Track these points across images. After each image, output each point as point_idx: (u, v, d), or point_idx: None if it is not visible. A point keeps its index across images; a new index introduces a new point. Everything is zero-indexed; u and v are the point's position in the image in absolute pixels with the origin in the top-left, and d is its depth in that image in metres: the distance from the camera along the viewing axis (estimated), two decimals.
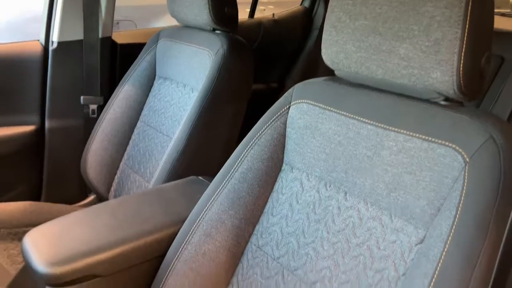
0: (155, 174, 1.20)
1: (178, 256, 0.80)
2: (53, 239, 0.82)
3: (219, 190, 0.81)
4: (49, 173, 1.46)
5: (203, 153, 1.17)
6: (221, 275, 0.79)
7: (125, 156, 1.40)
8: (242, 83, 1.20)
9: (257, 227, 0.80)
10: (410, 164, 0.61)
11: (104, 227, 0.85)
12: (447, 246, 0.52)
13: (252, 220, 0.81)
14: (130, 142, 1.40)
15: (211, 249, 0.79)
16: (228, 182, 0.81)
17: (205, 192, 0.84)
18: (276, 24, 2.05)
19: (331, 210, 0.70)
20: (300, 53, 2.14)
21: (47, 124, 1.43)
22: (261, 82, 2.01)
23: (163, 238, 0.85)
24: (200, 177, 1.09)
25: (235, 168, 0.82)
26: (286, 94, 0.82)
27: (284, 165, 0.80)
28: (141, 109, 1.41)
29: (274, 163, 0.80)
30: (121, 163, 1.40)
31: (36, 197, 1.48)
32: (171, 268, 0.79)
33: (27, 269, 0.91)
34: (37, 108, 1.43)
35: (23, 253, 0.81)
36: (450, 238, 0.52)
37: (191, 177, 1.09)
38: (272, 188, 0.81)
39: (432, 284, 0.52)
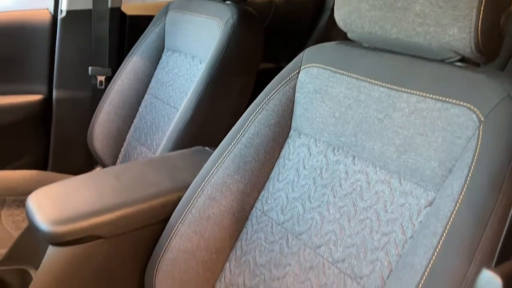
0: (161, 145, 1.19)
1: (182, 219, 0.79)
2: (57, 199, 0.82)
3: (225, 155, 0.80)
4: (56, 144, 1.46)
5: (210, 124, 1.16)
6: (225, 239, 0.78)
7: (132, 128, 1.39)
8: (251, 54, 1.19)
9: (262, 192, 0.79)
10: (422, 125, 0.59)
11: (108, 190, 0.85)
12: (457, 205, 0.51)
13: (257, 186, 0.80)
14: (137, 114, 1.39)
15: (215, 213, 0.78)
16: (234, 147, 0.80)
17: (211, 157, 0.83)
18: (288, 2, 2.02)
19: (339, 174, 0.69)
20: (311, 33, 2.11)
21: (54, 94, 1.43)
22: (271, 61, 1.99)
23: (168, 203, 0.85)
24: (206, 148, 1.08)
25: (241, 133, 0.80)
26: (296, 58, 0.80)
27: (292, 131, 0.79)
28: (149, 81, 1.39)
29: (282, 129, 0.79)
30: (128, 135, 1.39)
31: (42, 167, 1.48)
32: (175, 231, 0.79)
33: (30, 231, 0.91)
34: (45, 77, 1.43)
35: (26, 212, 0.81)
36: (461, 197, 0.51)
37: (197, 147, 1.08)
38: (279, 154, 0.80)
39: (441, 243, 0.50)
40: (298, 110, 0.77)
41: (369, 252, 0.61)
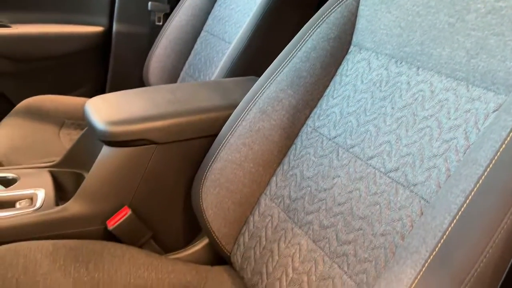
0: (214, 75, 1.19)
1: (232, 131, 0.79)
2: (114, 104, 0.84)
3: (280, 69, 0.79)
4: (113, 75, 1.51)
5: (263, 56, 1.14)
6: (273, 153, 0.77)
7: (186, 65, 1.40)
8: None
9: (315, 110, 0.77)
10: (500, 25, 0.54)
11: (163, 100, 0.86)
12: None
13: (310, 103, 0.78)
14: (192, 51, 1.40)
15: (265, 126, 0.77)
16: (289, 61, 0.78)
17: (265, 72, 0.81)
18: None
19: (399, 86, 0.65)
20: None
21: (114, 27, 1.47)
22: None
23: (219, 118, 0.85)
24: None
25: (298, 47, 0.78)
26: None
27: (351, 47, 0.76)
28: (206, 18, 1.39)
29: (341, 44, 0.76)
30: (182, 71, 1.41)
31: None
32: (225, 141, 0.79)
33: (84, 138, 0.95)
34: (106, 10, 1.46)
35: (84, 114, 0.84)
36: None
37: (250, 76, 1.08)
38: (336, 71, 0.77)
39: (510, 135, 0.46)
40: (360, 24, 0.74)
41: (426, 159, 0.57)
